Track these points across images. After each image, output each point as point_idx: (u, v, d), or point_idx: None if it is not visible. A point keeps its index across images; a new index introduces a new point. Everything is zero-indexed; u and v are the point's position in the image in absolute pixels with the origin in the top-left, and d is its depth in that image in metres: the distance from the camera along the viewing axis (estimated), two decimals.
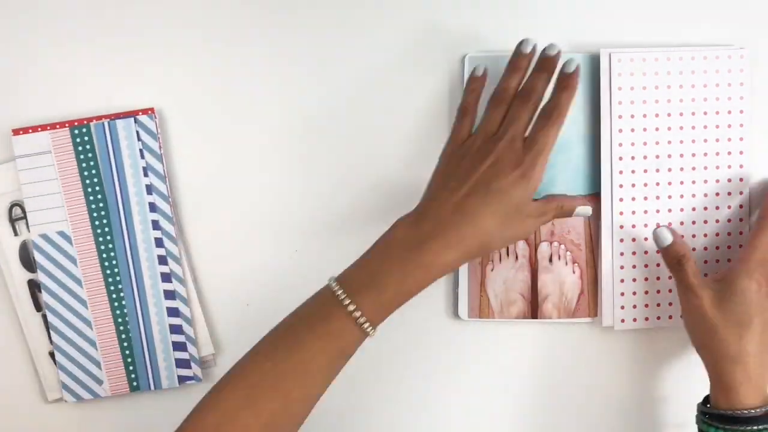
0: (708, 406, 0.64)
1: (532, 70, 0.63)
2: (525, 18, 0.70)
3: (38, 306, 0.72)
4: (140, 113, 0.70)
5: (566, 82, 0.62)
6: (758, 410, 0.60)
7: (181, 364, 0.71)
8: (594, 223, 0.69)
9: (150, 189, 0.71)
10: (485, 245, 0.60)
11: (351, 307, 0.57)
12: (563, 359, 0.73)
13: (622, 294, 0.70)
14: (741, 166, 0.69)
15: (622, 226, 0.69)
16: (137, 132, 0.70)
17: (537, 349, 0.72)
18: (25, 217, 0.71)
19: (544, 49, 0.63)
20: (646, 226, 0.69)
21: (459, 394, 0.73)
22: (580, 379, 0.73)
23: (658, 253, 0.68)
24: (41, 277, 0.71)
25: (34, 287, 0.71)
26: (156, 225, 0.71)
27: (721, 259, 0.70)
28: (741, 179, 0.69)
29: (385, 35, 0.71)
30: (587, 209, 0.64)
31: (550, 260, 0.70)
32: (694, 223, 0.70)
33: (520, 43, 0.64)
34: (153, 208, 0.71)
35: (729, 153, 0.69)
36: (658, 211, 0.69)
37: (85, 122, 0.70)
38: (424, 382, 0.73)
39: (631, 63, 0.68)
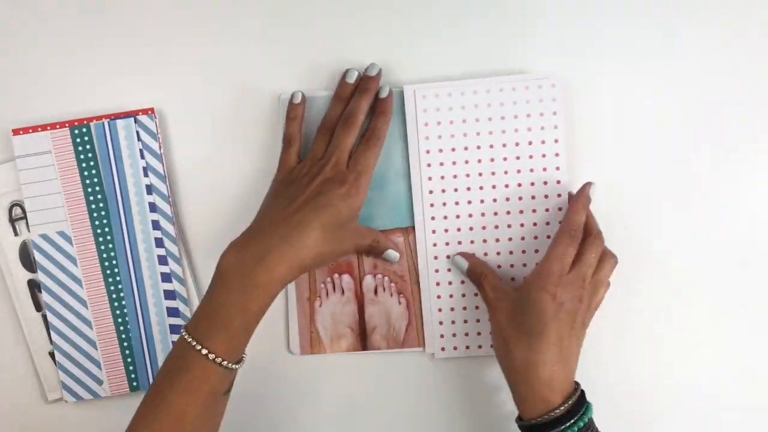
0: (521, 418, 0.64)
1: (355, 93, 0.67)
2: (331, 54, 0.71)
3: (38, 306, 0.72)
4: (140, 113, 0.70)
5: (382, 107, 0.67)
6: (554, 413, 0.60)
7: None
8: (414, 254, 0.71)
9: (150, 189, 0.71)
10: (317, 256, 0.62)
11: (204, 351, 0.59)
12: (395, 388, 0.73)
13: (441, 323, 0.71)
14: (558, 195, 0.69)
15: (436, 257, 0.70)
16: (137, 132, 0.70)
17: (369, 379, 0.73)
18: (25, 217, 0.71)
19: (366, 70, 0.68)
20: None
21: (297, 427, 0.74)
22: (411, 407, 0.73)
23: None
24: (41, 277, 0.71)
25: (34, 287, 0.72)
26: (156, 225, 0.71)
27: None
28: (560, 208, 0.69)
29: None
30: (395, 255, 0.69)
31: (376, 292, 0.71)
32: (511, 253, 0.70)
33: (345, 73, 0.68)
34: (153, 208, 0.71)
35: (545, 183, 0.69)
36: (472, 242, 0.70)
37: (85, 122, 0.70)
38: (263, 417, 0.73)
39: (435, 98, 0.69)
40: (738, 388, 0.72)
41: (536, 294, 0.62)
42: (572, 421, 0.60)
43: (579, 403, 0.62)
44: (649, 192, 0.71)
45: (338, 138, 0.66)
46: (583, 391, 0.63)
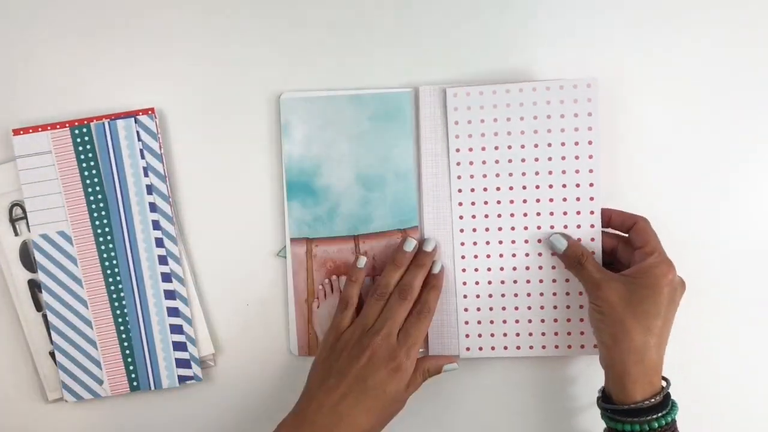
0: (607, 402, 0.65)
1: (410, 264, 0.68)
2: (332, 54, 0.71)
3: (38, 306, 0.72)
4: (140, 113, 0.70)
5: (434, 281, 0.69)
6: (653, 400, 0.62)
7: (181, 363, 0.71)
8: None
9: (150, 189, 0.71)
10: None
11: None
12: None
13: (467, 323, 0.70)
14: (591, 199, 0.68)
15: (464, 256, 0.70)
16: (137, 132, 0.70)
17: None
18: (25, 217, 0.71)
19: (422, 245, 0.69)
20: (488, 256, 0.70)
21: None
22: (409, 406, 0.71)
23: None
24: (41, 277, 0.71)
25: (35, 287, 0.72)
26: (156, 225, 0.71)
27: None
28: (591, 212, 0.69)
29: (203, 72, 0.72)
30: (454, 366, 0.68)
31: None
32: (540, 255, 0.69)
33: (404, 242, 0.68)
34: (153, 208, 0.71)
35: (577, 185, 0.68)
36: (500, 242, 0.70)
37: (86, 122, 0.70)
38: (263, 417, 0.72)
39: (467, 97, 0.68)
40: None
41: (659, 277, 0.63)
42: (669, 408, 0.62)
43: (666, 397, 0.63)
44: (649, 196, 0.71)
45: (392, 309, 0.66)
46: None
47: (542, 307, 0.69)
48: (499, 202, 0.69)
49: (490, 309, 0.70)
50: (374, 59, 0.71)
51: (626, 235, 0.68)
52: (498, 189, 0.69)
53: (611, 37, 0.71)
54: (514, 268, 0.69)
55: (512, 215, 0.69)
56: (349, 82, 0.71)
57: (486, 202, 0.69)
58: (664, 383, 0.63)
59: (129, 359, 0.71)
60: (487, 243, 0.70)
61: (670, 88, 0.71)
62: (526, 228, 0.69)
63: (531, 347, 0.70)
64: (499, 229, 0.69)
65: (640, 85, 0.71)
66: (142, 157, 0.71)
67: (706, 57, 0.71)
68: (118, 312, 0.71)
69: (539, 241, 0.69)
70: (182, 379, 0.72)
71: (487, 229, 0.70)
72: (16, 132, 0.70)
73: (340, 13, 0.71)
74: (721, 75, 0.71)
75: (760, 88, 0.71)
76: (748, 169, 0.71)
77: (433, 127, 0.69)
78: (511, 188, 0.69)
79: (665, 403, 0.62)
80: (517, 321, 0.70)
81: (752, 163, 0.71)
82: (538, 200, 0.69)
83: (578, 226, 0.69)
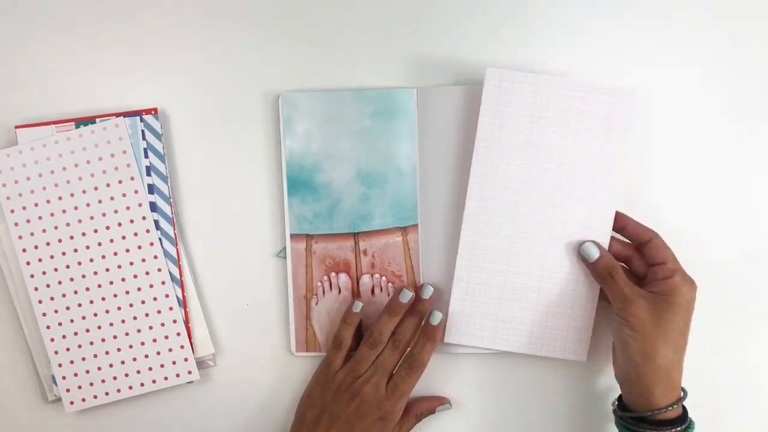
0: (624, 410, 0.65)
1: (407, 311, 0.69)
2: (333, 54, 0.71)
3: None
4: (143, 113, 0.71)
5: (431, 333, 0.68)
6: (675, 406, 0.63)
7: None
8: (414, 254, 0.70)
9: (152, 189, 0.71)
10: None
11: None
12: None
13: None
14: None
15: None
16: (142, 131, 0.71)
17: None
18: None
19: (420, 291, 0.69)
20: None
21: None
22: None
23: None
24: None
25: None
26: (156, 225, 0.71)
27: None
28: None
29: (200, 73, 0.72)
30: (447, 406, 0.71)
31: (373, 292, 0.71)
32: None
33: (401, 292, 0.68)
34: (153, 208, 0.71)
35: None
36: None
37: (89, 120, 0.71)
38: (263, 417, 0.73)
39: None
40: None
41: (685, 296, 0.63)
42: (687, 423, 0.63)
43: (684, 413, 0.65)
44: (650, 197, 0.71)
45: (384, 360, 0.67)
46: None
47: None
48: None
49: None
50: (375, 58, 0.71)
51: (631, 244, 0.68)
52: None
53: (618, 40, 0.71)
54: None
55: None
56: (350, 82, 0.71)
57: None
58: (682, 393, 0.64)
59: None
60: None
61: (680, 95, 0.71)
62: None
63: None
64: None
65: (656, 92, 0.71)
66: (146, 156, 0.71)
67: (718, 63, 0.71)
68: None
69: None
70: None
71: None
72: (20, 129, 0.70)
73: (340, 12, 0.71)
74: (729, 81, 0.71)
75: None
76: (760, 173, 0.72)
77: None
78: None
79: (684, 417, 0.63)
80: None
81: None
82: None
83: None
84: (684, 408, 0.64)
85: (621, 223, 0.67)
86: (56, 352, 0.70)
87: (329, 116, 0.70)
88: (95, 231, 0.70)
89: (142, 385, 0.71)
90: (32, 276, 0.70)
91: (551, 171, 0.68)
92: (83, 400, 0.71)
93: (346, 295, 0.71)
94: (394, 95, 0.70)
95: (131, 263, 0.70)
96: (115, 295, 0.70)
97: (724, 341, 0.72)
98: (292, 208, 0.71)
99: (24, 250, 0.70)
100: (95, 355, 0.70)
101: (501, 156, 0.68)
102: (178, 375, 0.71)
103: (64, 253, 0.70)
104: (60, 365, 0.70)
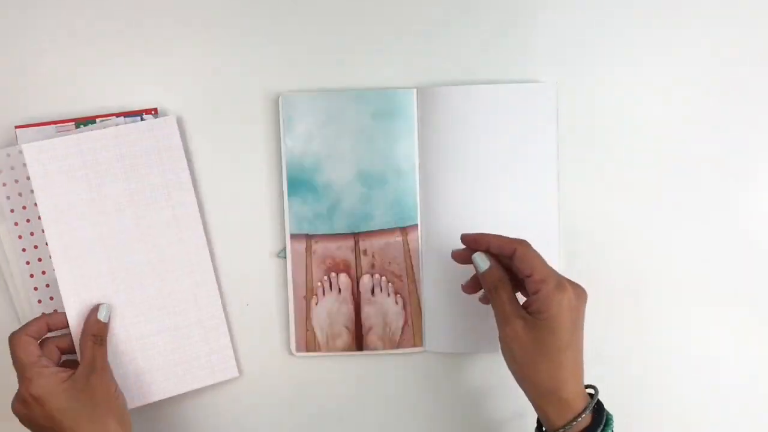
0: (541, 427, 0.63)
1: None
2: (334, 54, 0.71)
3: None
4: (143, 113, 0.71)
5: None
6: (579, 418, 0.59)
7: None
8: (414, 254, 0.70)
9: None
10: None
11: None
12: (393, 388, 0.73)
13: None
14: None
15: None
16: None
17: (368, 379, 0.73)
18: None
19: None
20: None
21: (296, 426, 0.73)
22: (409, 406, 0.73)
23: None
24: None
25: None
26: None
27: None
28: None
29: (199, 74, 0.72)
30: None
31: (373, 292, 0.71)
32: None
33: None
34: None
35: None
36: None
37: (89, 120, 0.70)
38: (263, 417, 0.72)
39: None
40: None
41: (558, 306, 0.59)
42: (603, 424, 0.60)
43: (599, 411, 0.61)
44: (648, 194, 0.72)
45: None
46: (598, 398, 0.62)
47: None
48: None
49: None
50: (375, 58, 0.71)
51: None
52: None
53: (609, 40, 0.72)
54: None
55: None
56: (350, 82, 0.71)
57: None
58: (588, 400, 0.61)
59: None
60: None
61: (638, 91, 0.72)
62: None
63: None
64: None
65: (614, 87, 0.72)
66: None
67: (684, 61, 0.72)
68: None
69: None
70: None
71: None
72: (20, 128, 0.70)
73: (341, 12, 0.71)
74: (697, 77, 0.72)
75: (738, 89, 0.71)
76: (722, 171, 0.72)
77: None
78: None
79: (599, 420, 0.60)
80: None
81: (725, 166, 0.72)
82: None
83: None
84: (596, 410, 0.61)
85: (484, 244, 0.64)
86: None
87: (329, 116, 0.70)
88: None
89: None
90: (32, 276, 0.69)
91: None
92: None
93: (346, 295, 0.71)
94: (394, 95, 0.70)
95: None
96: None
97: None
98: (293, 208, 0.71)
99: (24, 250, 0.69)
100: None
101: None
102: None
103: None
104: None
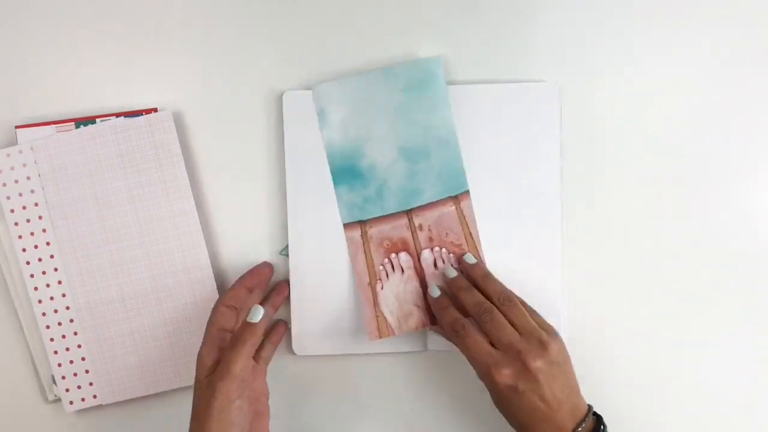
0: None
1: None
2: (334, 54, 0.71)
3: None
4: (143, 113, 0.70)
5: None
6: None
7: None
8: (470, 220, 0.71)
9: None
10: None
11: None
12: (395, 388, 0.73)
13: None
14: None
15: None
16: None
17: (369, 379, 0.73)
18: None
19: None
20: None
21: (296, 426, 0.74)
22: (410, 405, 0.73)
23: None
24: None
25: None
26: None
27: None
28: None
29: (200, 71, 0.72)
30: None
31: (435, 265, 0.71)
32: None
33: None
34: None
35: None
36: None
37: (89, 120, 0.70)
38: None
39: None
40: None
41: (495, 386, 0.62)
42: None
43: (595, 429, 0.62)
44: (650, 193, 0.72)
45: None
46: (597, 416, 0.63)
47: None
48: None
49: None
50: (374, 60, 0.71)
51: None
52: None
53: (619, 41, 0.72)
54: None
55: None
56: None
57: None
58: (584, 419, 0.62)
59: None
60: None
61: (641, 93, 0.72)
62: None
63: None
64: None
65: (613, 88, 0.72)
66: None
67: (676, 63, 0.72)
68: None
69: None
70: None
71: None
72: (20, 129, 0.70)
73: (338, 14, 0.71)
74: (695, 79, 0.72)
75: (737, 91, 0.72)
76: (719, 172, 0.72)
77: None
78: None
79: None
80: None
81: (723, 167, 0.72)
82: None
83: None
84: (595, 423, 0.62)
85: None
86: (56, 352, 0.70)
87: (361, 99, 0.70)
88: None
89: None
90: (32, 276, 0.69)
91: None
92: (83, 400, 0.71)
93: (410, 273, 0.70)
94: (422, 64, 0.69)
95: None
96: None
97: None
98: (341, 197, 0.70)
99: (24, 250, 0.69)
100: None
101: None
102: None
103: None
104: (60, 365, 0.70)
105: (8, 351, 0.72)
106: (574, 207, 0.71)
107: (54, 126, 0.70)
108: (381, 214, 0.70)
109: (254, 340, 0.62)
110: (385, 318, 0.70)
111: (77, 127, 0.70)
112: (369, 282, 0.70)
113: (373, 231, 0.70)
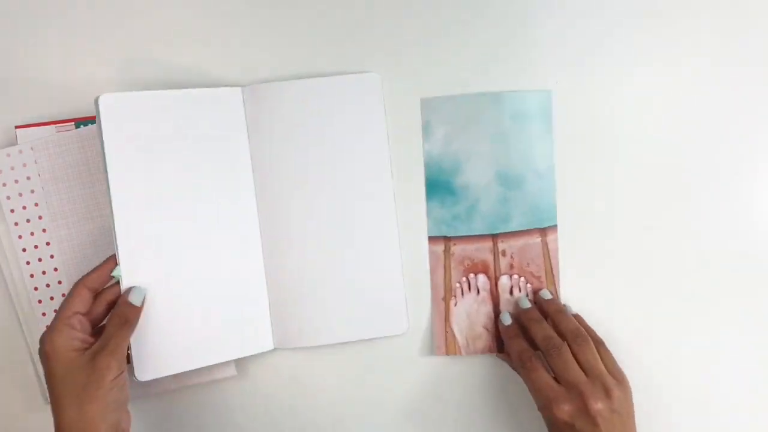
0: None
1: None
2: (335, 53, 0.71)
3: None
4: None
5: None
6: None
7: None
8: (554, 255, 0.71)
9: None
10: None
11: None
12: (395, 388, 0.73)
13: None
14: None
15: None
16: None
17: (369, 379, 0.73)
18: None
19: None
20: None
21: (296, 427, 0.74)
22: (410, 405, 0.73)
23: None
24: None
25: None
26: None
27: None
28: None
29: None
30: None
31: (511, 292, 0.72)
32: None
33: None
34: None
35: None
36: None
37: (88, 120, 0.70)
38: (263, 417, 0.73)
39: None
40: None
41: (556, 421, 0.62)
42: None
43: None
44: (648, 196, 0.72)
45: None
46: None
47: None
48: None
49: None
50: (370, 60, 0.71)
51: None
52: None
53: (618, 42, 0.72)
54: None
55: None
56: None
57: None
58: None
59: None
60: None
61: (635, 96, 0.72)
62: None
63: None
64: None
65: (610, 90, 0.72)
66: None
67: (670, 65, 0.72)
68: None
69: None
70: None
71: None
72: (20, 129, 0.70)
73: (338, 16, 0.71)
74: (692, 80, 0.72)
75: (736, 91, 0.72)
76: (719, 172, 0.72)
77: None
78: None
79: None
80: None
81: (722, 167, 0.72)
82: None
83: None
84: None
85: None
86: None
87: (468, 119, 0.70)
88: None
89: None
90: (32, 276, 0.69)
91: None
92: None
93: (485, 295, 0.71)
94: (532, 96, 0.70)
95: None
96: None
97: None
98: (432, 212, 0.71)
99: (24, 250, 0.69)
100: None
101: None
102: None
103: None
104: None
105: (8, 351, 0.71)
106: (574, 207, 0.71)
107: (54, 126, 0.69)
108: (467, 234, 0.71)
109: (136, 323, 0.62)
110: (454, 335, 0.71)
111: (77, 127, 0.69)
112: (444, 297, 0.71)
113: (456, 249, 0.71)
